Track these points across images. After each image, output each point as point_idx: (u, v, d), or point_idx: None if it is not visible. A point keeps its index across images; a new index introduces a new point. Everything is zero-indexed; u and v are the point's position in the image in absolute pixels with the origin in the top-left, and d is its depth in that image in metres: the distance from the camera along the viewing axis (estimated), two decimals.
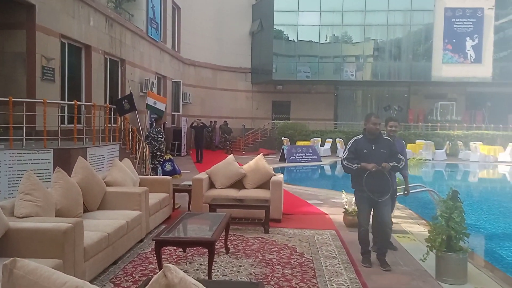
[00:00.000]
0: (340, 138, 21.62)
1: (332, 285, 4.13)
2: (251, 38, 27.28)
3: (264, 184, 7.03)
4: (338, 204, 8.40)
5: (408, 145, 20.80)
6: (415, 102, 27.03)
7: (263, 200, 6.30)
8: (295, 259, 4.89)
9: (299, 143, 20.87)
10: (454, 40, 24.50)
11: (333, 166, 18.32)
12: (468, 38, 24.40)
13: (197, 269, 4.48)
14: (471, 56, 24.46)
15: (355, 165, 4.64)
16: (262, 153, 7.64)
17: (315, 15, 24.90)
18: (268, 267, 4.61)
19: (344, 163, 4.76)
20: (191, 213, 5.08)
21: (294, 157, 17.65)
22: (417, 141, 21.57)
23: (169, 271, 1.58)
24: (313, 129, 23.68)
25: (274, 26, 25.11)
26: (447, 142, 21.81)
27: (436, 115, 26.00)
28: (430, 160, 19.03)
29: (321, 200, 8.85)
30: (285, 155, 17.45)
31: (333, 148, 21.44)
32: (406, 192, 5.75)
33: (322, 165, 17.88)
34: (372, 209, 4.83)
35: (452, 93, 26.87)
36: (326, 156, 20.31)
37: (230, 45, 26.26)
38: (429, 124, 24.83)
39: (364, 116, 4.91)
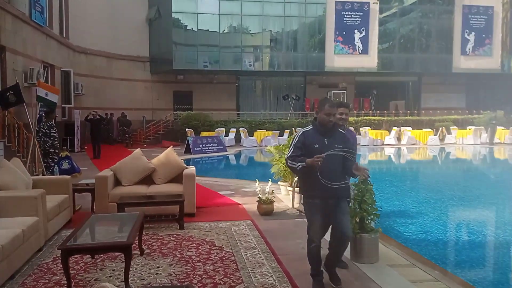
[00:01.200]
0: (243, 127, 21.85)
1: (256, 277, 4.08)
2: (149, 26, 26.13)
3: (176, 178, 6.73)
4: (250, 193, 8.45)
5: None
6: (310, 91, 28.41)
7: (175, 195, 6.03)
8: (215, 254, 4.75)
9: (204, 134, 20.65)
10: (344, 32, 26.17)
11: (238, 155, 18.49)
12: (356, 31, 26.26)
13: (110, 276, 4.10)
14: (359, 47, 26.39)
15: (299, 164, 3.70)
16: (172, 146, 7.31)
17: (215, 3, 24.71)
18: (188, 265, 4.40)
19: (288, 162, 3.85)
20: (98, 215, 4.63)
21: (199, 148, 17.40)
22: None
23: None
24: (216, 119, 23.63)
25: (173, 14, 24.34)
26: None
27: None
28: None
29: (232, 190, 8.81)
30: (191, 147, 17.12)
31: (237, 138, 21.62)
32: None
33: (228, 155, 17.91)
34: (327, 220, 3.87)
35: (343, 82, 28.79)
36: (231, 146, 20.40)
37: (125, 32, 24.82)
38: None
39: (319, 103, 3.96)
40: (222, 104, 26.65)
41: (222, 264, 4.42)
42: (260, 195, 6.61)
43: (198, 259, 4.58)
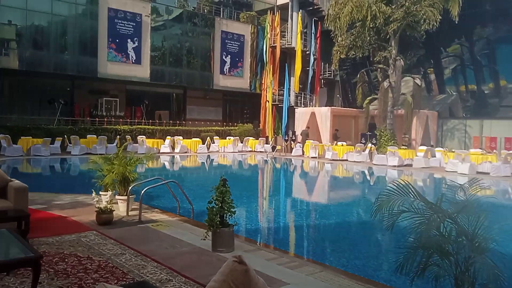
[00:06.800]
0: (6, 134, 19.02)
1: (147, 276, 4.47)
2: None
3: None
4: (66, 205, 8.15)
5: (81, 140, 20.89)
6: (79, 97, 26.89)
7: (16, 210, 5.50)
8: (89, 264, 4.78)
9: None
10: (117, 40, 26.07)
11: (6, 166, 16.15)
12: (129, 40, 26.56)
13: None
14: (132, 57, 26.78)
15: None
16: None
17: None
18: (71, 276, 4.36)
19: None
20: None
21: None
22: (88, 136, 21.86)
23: (243, 258, 1.89)
24: None
25: None
26: (118, 136, 23.22)
27: (101, 110, 26.93)
28: (103, 154, 19.81)
29: (43, 204, 8.16)
30: None
31: None
32: None
33: None
34: None
35: (114, 89, 28.49)
36: None
37: None
38: (96, 118, 25.53)
39: None
40: None
41: (105, 271, 4.56)
42: (99, 205, 6.62)
43: (76, 270, 4.56)
